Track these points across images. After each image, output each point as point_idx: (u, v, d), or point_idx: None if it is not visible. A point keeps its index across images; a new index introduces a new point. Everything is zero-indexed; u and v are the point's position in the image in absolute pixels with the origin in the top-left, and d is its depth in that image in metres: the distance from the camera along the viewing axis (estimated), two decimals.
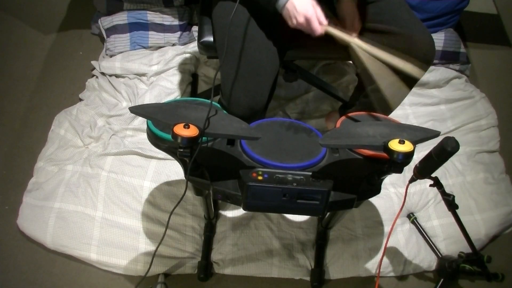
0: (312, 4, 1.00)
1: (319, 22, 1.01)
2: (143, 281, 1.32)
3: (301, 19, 1.00)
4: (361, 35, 1.12)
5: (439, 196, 1.14)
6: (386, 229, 1.46)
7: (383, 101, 1.26)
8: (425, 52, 1.12)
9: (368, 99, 1.31)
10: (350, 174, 0.95)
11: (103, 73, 1.83)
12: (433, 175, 0.99)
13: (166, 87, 1.76)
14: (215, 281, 1.38)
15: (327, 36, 1.12)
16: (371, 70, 1.02)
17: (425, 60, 1.14)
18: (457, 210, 1.11)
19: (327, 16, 1.03)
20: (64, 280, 1.37)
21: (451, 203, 1.09)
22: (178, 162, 0.98)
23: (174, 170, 1.52)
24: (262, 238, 1.43)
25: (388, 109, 1.32)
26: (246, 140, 0.98)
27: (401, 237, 1.46)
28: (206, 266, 1.37)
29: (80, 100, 1.78)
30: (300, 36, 1.08)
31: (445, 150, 0.86)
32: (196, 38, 1.69)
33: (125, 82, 1.80)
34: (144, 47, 1.89)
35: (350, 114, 1.11)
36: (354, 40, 1.03)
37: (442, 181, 1.05)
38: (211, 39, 1.30)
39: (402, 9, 1.16)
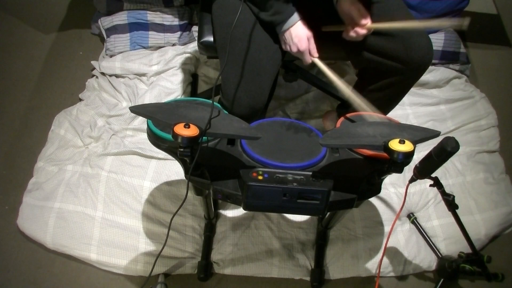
0: (307, 37, 1.08)
1: (310, 54, 1.11)
2: (142, 281, 1.32)
3: (294, 49, 1.09)
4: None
5: (439, 196, 1.15)
6: (386, 229, 1.46)
7: (380, 101, 1.27)
8: (423, 54, 1.13)
9: (366, 99, 1.31)
10: (350, 174, 0.95)
11: (103, 73, 1.83)
12: (433, 175, 0.99)
13: (166, 87, 1.76)
14: (215, 281, 1.38)
15: (327, 37, 1.12)
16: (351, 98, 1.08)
17: (423, 63, 1.14)
18: (457, 210, 1.11)
19: (321, 44, 1.11)
20: (64, 280, 1.37)
21: (451, 203, 1.09)
22: (179, 162, 0.98)
23: (174, 170, 1.52)
24: (262, 238, 1.43)
25: (386, 109, 1.32)
26: (246, 140, 0.98)
27: (401, 237, 1.46)
28: (206, 266, 1.37)
29: (80, 100, 1.78)
30: None
31: (445, 150, 0.86)
32: (196, 38, 1.69)
33: (125, 82, 1.80)
34: (144, 47, 1.89)
35: (349, 114, 1.12)
36: (336, 81, 1.09)
37: (442, 181, 1.05)
38: (211, 39, 1.30)
39: (401, 11, 1.16)
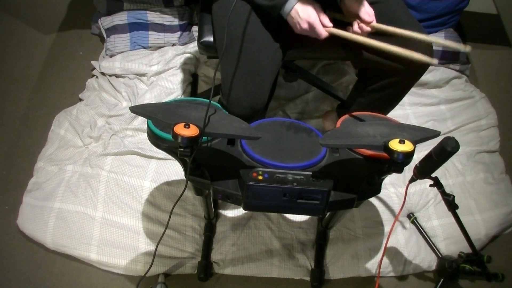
0: (315, 9, 1.03)
1: (323, 26, 1.04)
2: (143, 281, 1.32)
3: (304, 25, 1.03)
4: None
5: (439, 196, 1.15)
6: (386, 229, 1.46)
7: (380, 101, 1.27)
8: (423, 55, 1.12)
9: (366, 99, 1.31)
10: (350, 174, 0.95)
11: (103, 73, 1.83)
12: (433, 175, 0.99)
13: (166, 87, 1.76)
14: (215, 281, 1.38)
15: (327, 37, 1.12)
16: (383, 47, 1.02)
17: (423, 63, 1.14)
18: (457, 210, 1.11)
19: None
20: (64, 280, 1.37)
21: (451, 203, 1.09)
22: (179, 162, 0.98)
23: (174, 170, 1.52)
24: (262, 238, 1.43)
25: (386, 110, 1.32)
26: (246, 140, 0.98)
27: (401, 237, 1.46)
28: (206, 266, 1.37)
29: (80, 100, 1.78)
30: (301, 36, 1.08)
31: (445, 150, 0.86)
32: (196, 38, 1.69)
33: (125, 82, 1.80)
34: (144, 47, 1.89)
35: (349, 114, 1.12)
36: (359, 38, 1.05)
37: (442, 181, 1.05)
38: (211, 39, 1.30)
39: (401, 11, 1.16)
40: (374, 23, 1.08)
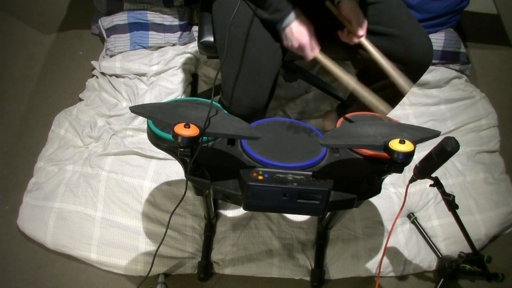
0: (308, 31, 1.06)
1: (311, 49, 1.08)
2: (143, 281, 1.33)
3: (295, 45, 1.08)
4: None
5: (439, 196, 1.15)
6: (386, 229, 1.46)
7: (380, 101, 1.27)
8: (423, 55, 1.13)
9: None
10: (350, 174, 0.95)
11: (103, 73, 1.83)
12: (433, 175, 0.99)
13: (166, 87, 1.76)
14: (215, 281, 1.38)
15: (327, 36, 1.12)
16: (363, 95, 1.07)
17: (423, 63, 1.14)
18: (457, 210, 1.11)
19: (320, 44, 1.10)
20: (64, 280, 1.37)
21: (451, 203, 1.09)
22: (179, 162, 0.98)
23: (174, 170, 1.52)
24: (262, 238, 1.43)
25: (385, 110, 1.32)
26: (247, 140, 0.98)
27: (401, 237, 1.46)
28: (206, 266, 1.37)
29: (80, 100, 1.78)
30: None
31: (445, 150, 0.86)
32: (196, 38, 1.70)
33: (125, 82, 1.80)
34: (144, 47, 1.89)
35: (350, 114, 1.12)
36: (340, 74, 1.08)
37: (442, 181, 1.05)
38: (211, 39, 1.30)
39: (401, 12, 1.16)
40: (363, 39, 1.10)
